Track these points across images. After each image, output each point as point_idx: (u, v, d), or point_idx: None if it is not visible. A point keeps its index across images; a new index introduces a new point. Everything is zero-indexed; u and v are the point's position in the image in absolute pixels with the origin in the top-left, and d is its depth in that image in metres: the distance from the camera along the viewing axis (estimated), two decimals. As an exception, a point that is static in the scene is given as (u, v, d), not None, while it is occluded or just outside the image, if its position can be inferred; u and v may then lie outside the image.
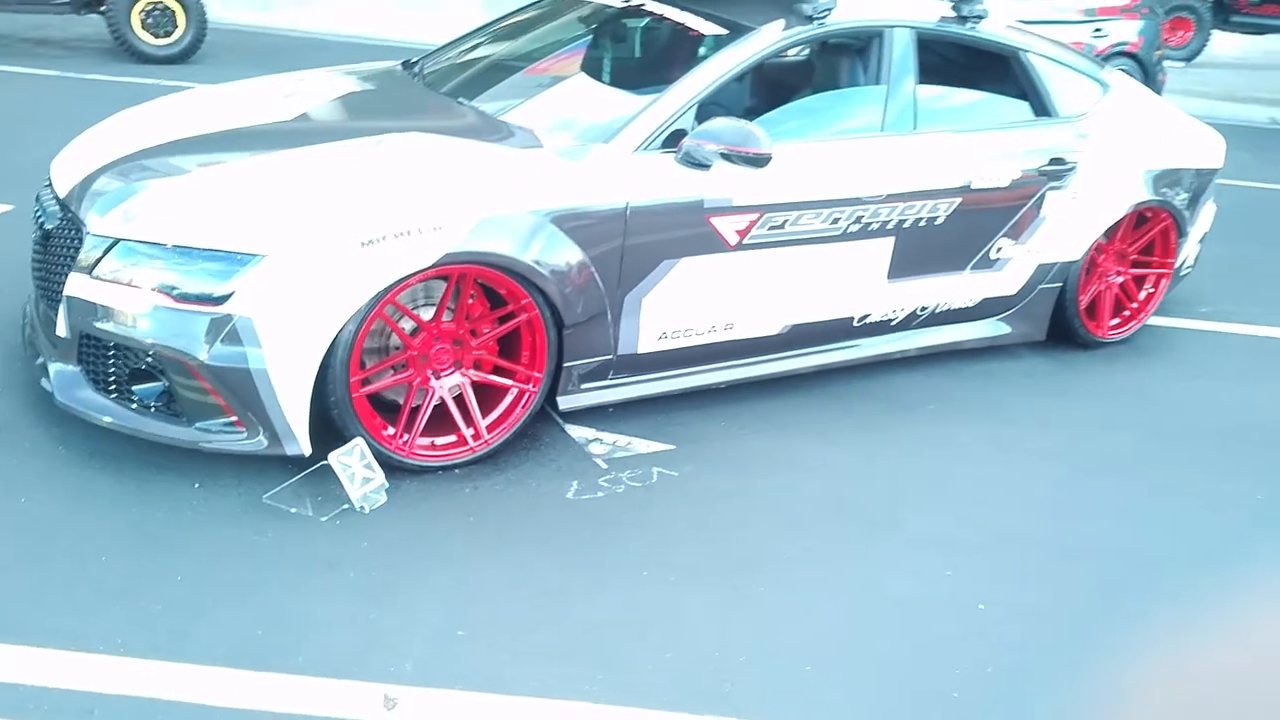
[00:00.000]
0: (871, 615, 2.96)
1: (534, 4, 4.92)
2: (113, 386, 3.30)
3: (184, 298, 3.10)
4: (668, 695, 2.59)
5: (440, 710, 2.48)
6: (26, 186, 5.44)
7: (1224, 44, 16.31)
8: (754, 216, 3.75)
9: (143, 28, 9.33)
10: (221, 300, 3.07)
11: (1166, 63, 10.68)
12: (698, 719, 2.53)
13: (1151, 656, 2.92)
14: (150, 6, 9.30)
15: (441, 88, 4.24)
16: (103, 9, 9.40)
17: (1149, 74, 9.51)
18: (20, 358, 3.85)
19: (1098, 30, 9.12)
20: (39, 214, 3.61)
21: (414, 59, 4.70)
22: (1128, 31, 9.33)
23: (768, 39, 3.90)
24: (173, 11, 9.41)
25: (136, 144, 3.63)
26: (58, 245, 3.42)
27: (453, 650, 2.67)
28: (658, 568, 3.08)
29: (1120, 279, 4.87)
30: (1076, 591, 3.16)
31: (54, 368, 3.38)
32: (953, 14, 4.35)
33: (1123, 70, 8.82)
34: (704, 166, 3.61)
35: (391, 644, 2.67)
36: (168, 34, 9.44)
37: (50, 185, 3.67)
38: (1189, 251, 5.11)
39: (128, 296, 3.15)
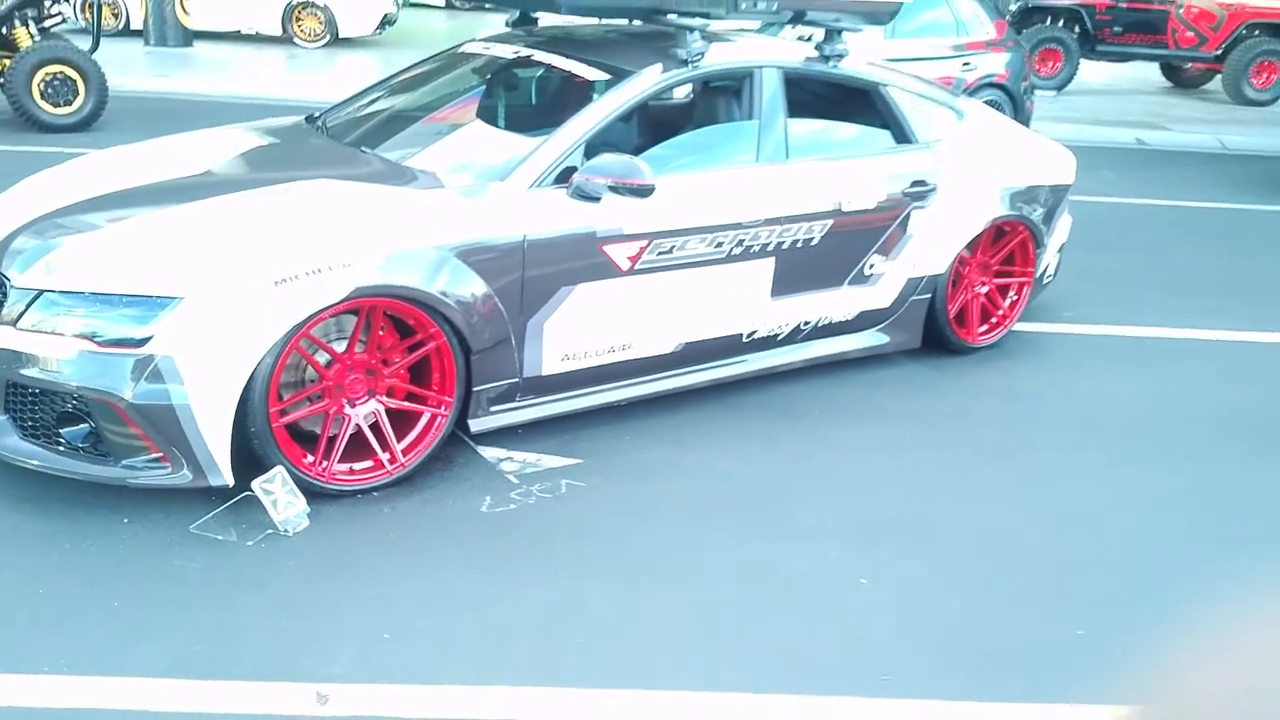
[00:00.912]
0: (765, 594, 3.25)
1: (429, 58, 5.20)
2: (39, 432, 3.46)
3: (107, 342, 3.28)
4: (580, 675, 2.83)
5: (370, 702, 2.69)
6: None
7: (1092, 72, 17.28)
8: (644, 243, 4.05)
9: (42, 97, 9.29)
10: (143, 342, 3.27)
11: (1037, 92, 11.36)
12: (608, 692, 2.77)
13: (1010, 611, 3.24)
14: (50, 76, 9.30)
15: (345, 138, 4.50)
16: (0, 80, 9.40)
17: (1017, 103, 10.12)
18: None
19: (966, 64, 9.70)
20: (-38, 273, 3.75)
21: (315, 114, 4.95)
22: (995, 64, 9.92)
23: (647, 81, 4.23)
24: (73, 80, 9.40)
25: (52, 203, 3.81)
26: (-20, 300, 3.57)
27: (379, 651, 2.89)
28: (568, 569, 3.32)
29: (985, 289, 5.28)
30: (949, 562, 3.49)
31: (-19, 418, 3.53)
32: (816, 54, 4.73)
33: (992, 100, 9.46)
34: (594, 199, 3.90)
35: (321, 649, 2.88)
36: (68, 102, 9.42)
37: (-27, 245, 3.82)
38: (1049, 261, 5.55)
39: (52, 344, 3.33)
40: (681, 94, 4.81)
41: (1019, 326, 5.50)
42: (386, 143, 4.40)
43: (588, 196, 3.91)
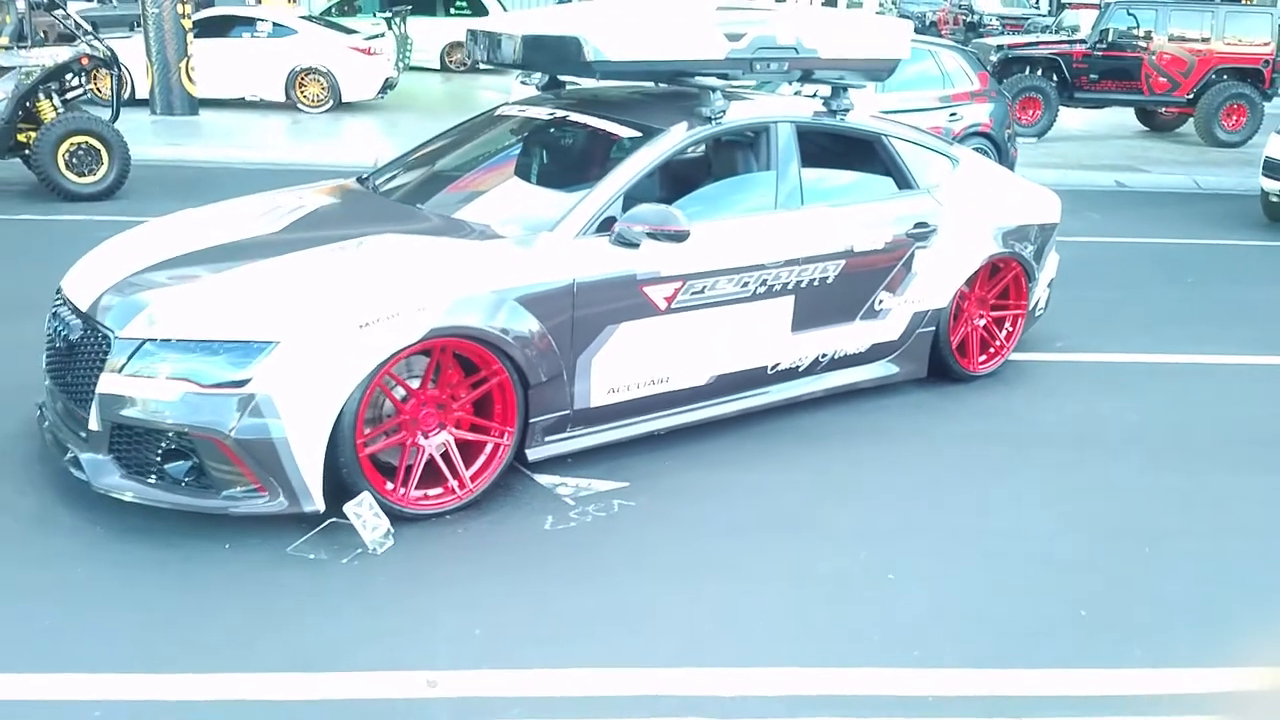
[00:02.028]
0: (805, 588, 3.65)
1: (467, 121, 5.66)
2: (140, 468, 3.84)
3: (210, 384, 3.68)
4: (650, 658, 3.22)
5: (473, 685, 3.07)
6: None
7: (1071, 119, 17.92)
8: (678, 284, 4.48)
9: (67, 167, 9.67)
10: (243, 383, 3.66)
11: (1019, 139, 11.90)
12: (675, 671, 3.15)
13: (1020, 598, 3.63)
14: (74, 147, 9.69)
15: (398, 197, 4.93)
16: (26, 151, 9.81)
17: (1001, 150, 10.64)
18: (40, 461, 4.34)
19: (953, 114, 10.22)
20: (58, 330, 4.14)
21: (365, 174, 5.39)
22: (979, 114, 10.46)
23: (676, 137, 4.69)
24: (97, 150, 9.78)
25: (137, 263, 4.22)
26: (83, 353, 3.97)
27: (472, 645, 3.27)
28: (627, 574, 3.71)
29: (983, 321, 5.72)
30: (964, 559, 3.90)
31: (86, 458, 3.91)
32: (825, 109, 5.20)
33: (978, 148, 9.97)
34: (634, 245, 4.34)
35: (421, 645, 3.26)
36: (92, 172, 9.80)
37: (65, 303, 4.22)
38: (1040, 295, 6.01)
39: (157, 388, 3.72)
40: (705, 148, 5.24)
41: (1014, 356, 5.93)
42: (438, 199, 4.84)
43: (628, 243, 4.33)
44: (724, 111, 4.80)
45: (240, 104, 16.69)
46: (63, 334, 4.10)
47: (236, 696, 3.00)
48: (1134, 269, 8.61)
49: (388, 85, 17.13)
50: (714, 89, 4.79)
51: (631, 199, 4.51)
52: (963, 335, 5.61)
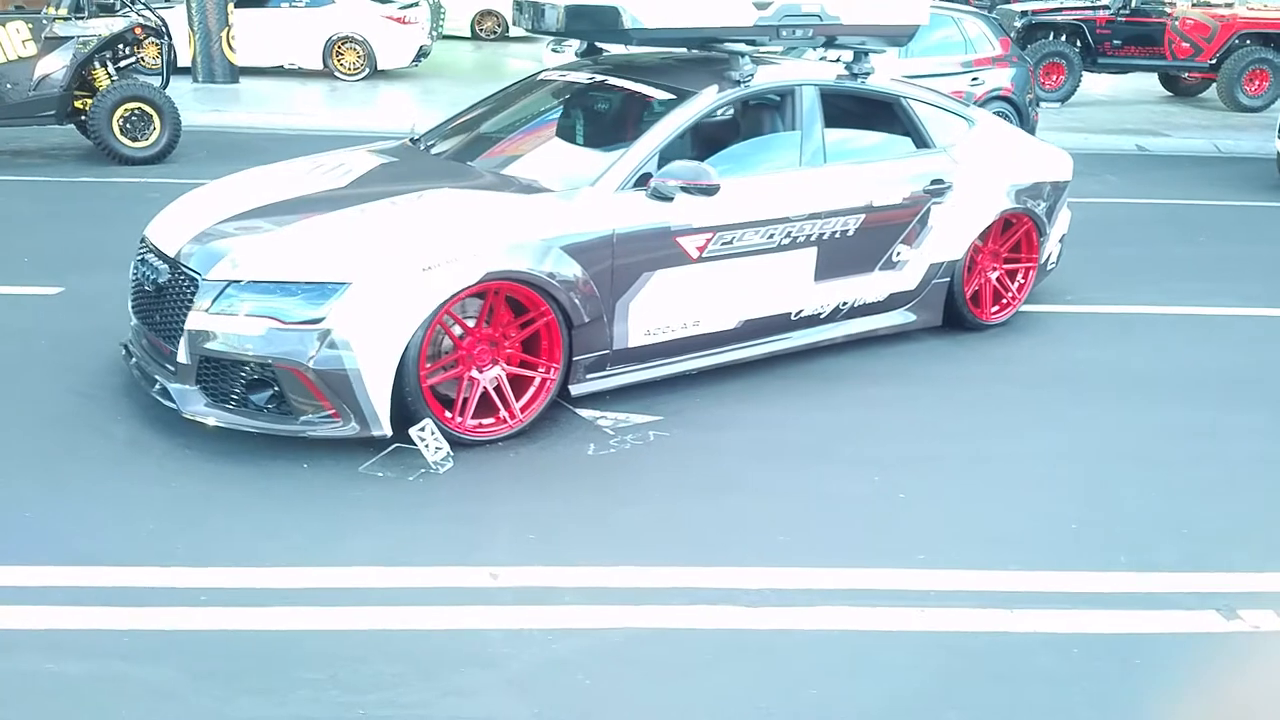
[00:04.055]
0: (825, 505, 4.06)
1: (510, 85, 6.05)
2: (226, 397, 4.28)
3: (290, 321, 4.11)
4: (685, 558, 3.65)
5: (530, 577, 3.50)
6: (68, 272, 6.46)
7: (1095, 84, 18.10)
8: (709, 235, 4.86)
9: (121, 133, 10.12)
10: (320, 320, 4.09)
11: (1043, 104, 12.17)
12: (708, 569, 3.57)
13: (1021, 513, 4.02)
14: (128, 113, 10.13)
15: (449, 155, 5.34)
16: (82, 118, 10.26)
17: (1023, 114, 10.93)
18: (127, 395, 4.79)
19: (975, 79, 10.52)
20: (146, 274, 4.57)
21: (416, 136, 5.80)
22: (1001, 78, 10.75)
23: (707, 99, 5.06)
24: (150, 116, 10.23)
25: (222, 212, 4.65)
26: (172, 294, 4.40)
27: (528, 547, 3.70)
28: (664, 491, 4.13)
29: (996, 273, 6.08)
30: (972, 481, 4.30)
31: (174, 388, 4.36)
32: (847, 72, 5.55)
33: (999, 112, 10.26)
34: (668, 199, 4.72)
35: (483, 547, 3.69)
36: (145, 136, 10.25)
37: (151, 250, 4.65)
38: (1052, 249, 6.35)
39: (243, 325, 4.15)
40: (733, 110, 5.59)
41: (1026, 307, 6.29)
42: (487, 157, 5.24)
43: (663, 197, 4.72)
44: (752, 75, 5.16)
45: (279, 72, 17.12)
46: (151, 278, 4.52)
47: (324, 585, 3.43)
48: (1148, 228, 8.91)
49: (422, 53, 17.51)
50: (743, 54, 5.16)
51: (666, 157, 4.88)
52: (976, 286, 5.97)
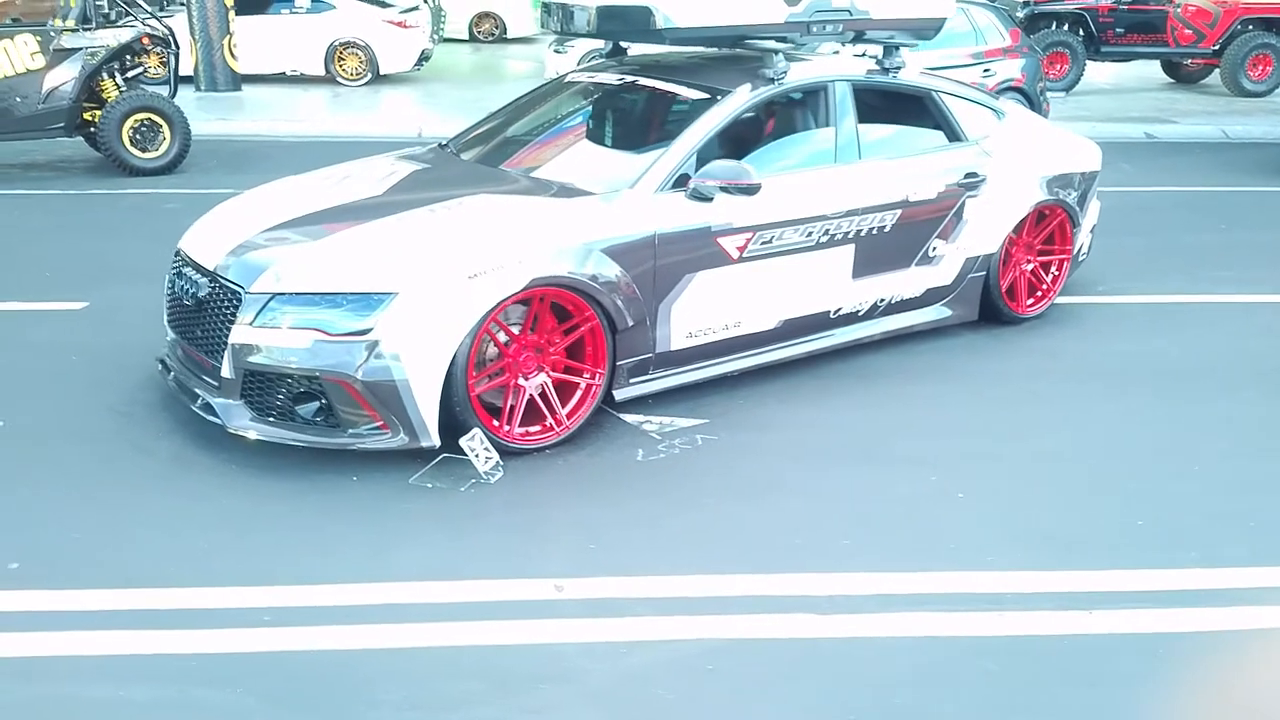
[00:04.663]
0: (883, 507, 4.01)
1: (538, 88, 6.00)
2: (272, 411, 4.22)
3: (337, 333, 4.05)
4: (746, 565, 3.59)
5: (596, 588, 3.45)
6: (91, 286, 6.41)
7: (1098, 73, 18.08)
8: (749, 235, 4.81)
9: (131, 144, 10.04)
10: (367, 331, 4.04)
11: (1049, 94, 12.13)
12: (775, 576, 3.52)
13: (1082, 512, 3.98)
14: (138, 124, 10.06)
15: (482, 160, 5.29)
16: (91, 129, 10.19)
17: (1034, 104, 10.89)
18: (165, 410, 4.73)
19: (986, 70, 10.47)
20: (184, 288, 4.50)
21: (445, 140, 5.75)
22: (1012, 69, 10.70)
23: (741, 98, 5.01)
24: (159, 126, 10.16)
25: (260, 223, 4.59)
26: (213, 308, 4.35)
27: (589, 557, 3.64)
28: (719, 496, 4.08)
29: (1030, 266, 6.03)
30: (1028, 480, 4.25)
31: (218, 403, 4.30)
32: (878, 67, 5.51)
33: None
34: (708, 199, 4.68)
35: (542, 558, 3.64)
36: (155, 147, 10.17)
37: (188, 263, 4.59)
38: (1083, 240, 6.31)
39: (288, 338, 4.10)
40: (767, 107, 5.53)
41: (1059, 299, 6.25)
42: (522, 161, 5.20)
43: (703, 197, 4.67)
44: (785, 72, 5.11)
45: (281, 78, 17.05)
46: (190, 291, 4.46)
47: (387, 600, 3.38)
48: (1167, 216, 8.88)
49: (424, 57, 17.46)
50: (776, 51, 5.11)
51: (701, 157, 4.83)
52: (1011, 279, 5.93)
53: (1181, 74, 17.83)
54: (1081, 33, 16.03)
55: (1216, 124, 13.66)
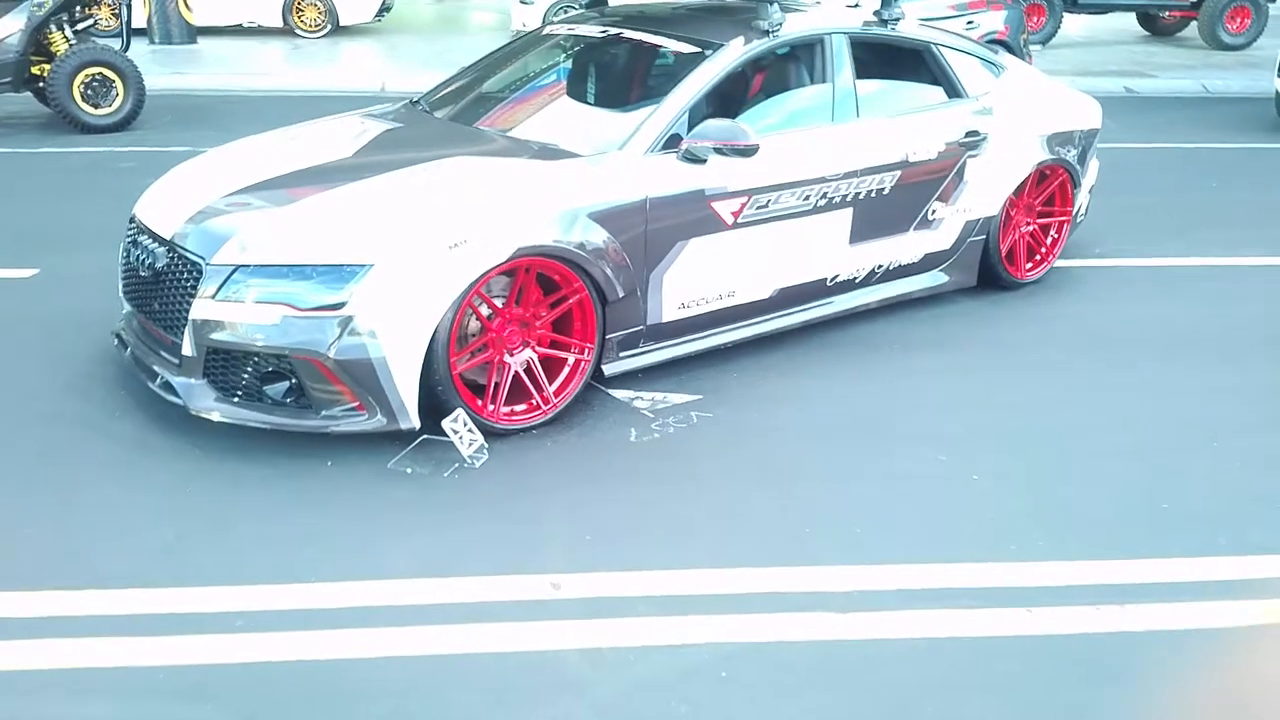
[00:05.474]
0: (890, 492, 3.78)
1: (515, 40, 5.67)
2: (238, 391, 3.92)
3: (307, 307, 3.75)
4: (756, 558, 3.36)
5: (595, 586, 3.20)
6: (42, 251, 6.04)
7: (1072, 25, 17.84)
8: (744, 199, 4.54)
9: (83, 99, 9.59)
10: (340, 305, 3.74)
11: (1031, 46, 11.89)
12: (786, 570, 3.29)
13: (1102, 492, 3.78)
14: (89, 78, 9.59)
15: (458, 118, 4.96)
16: (40, 84, 9.72)
17: (1018, 57, 10.61)
18: (123, 387, 4.43)
19: (969, 23, 10.21)
20: (141, 258, 4.18)
21: (417, 97, 5.41)
22: (995, 21, 10.44)
23: (734, 52, 4.71)
24: (112, 81, 9.70)
25: (221, 187, 4.26)
26: (172, 281, 4.03)
27: (585, 549, 3.40)
28: (717, 480, 3.84)
29: (1030, 228, 5.81)
30: (1041, 457, 4.04)
31: (179, 382, 3.99)
32: (875, 19, 5.22)
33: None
34: (701, 161, 4.39)
35: (536, 551, 3.38)
36: (107, 103, 9.71)
37: (144, 231, 4.26)
38: (1082, 201, 6.09)
39: (253, 313, 3.79)
40: (760, 62, 5.24)
41: (1057, 263, 6.03)
42: (502, 120, 4.88)
43: (696, 159, 4.39)
44: (781, 24, 4.82)
45: (238, 30, 16.50)
46: (146, 262, 4.14)
47: (369, 603, 3.12)
48: (1157, 174, 8.69)
49: (385, 8, 16.95)
50: (771, 1, 4.81)
51: (692, 116, 4.55)
52: (1011, 243, 5.70)
53: (1157, 26, 17.64)
54: (1059, -16, 15.78)
55: (1196, 78, 13.49)
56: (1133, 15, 17.69)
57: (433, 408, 3.97)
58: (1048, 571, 3.32)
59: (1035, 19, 15.43)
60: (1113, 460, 4.04)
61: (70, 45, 9.69)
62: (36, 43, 9.57)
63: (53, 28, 9.66)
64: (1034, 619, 3.08)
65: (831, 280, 5.04)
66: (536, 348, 4.21)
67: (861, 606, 3.12)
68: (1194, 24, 16.31)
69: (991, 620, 3.08)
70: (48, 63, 9.58)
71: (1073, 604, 3.16)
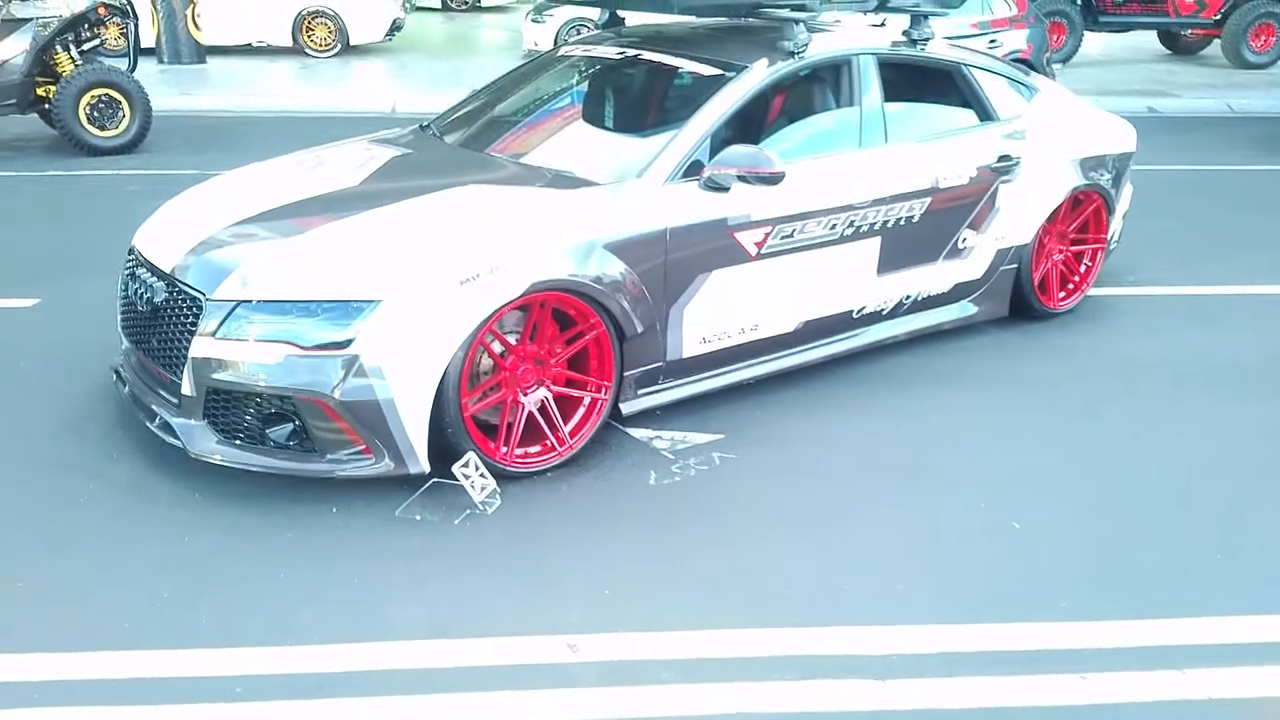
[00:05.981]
0: (930, 539, 3.57)
1: (529, 62, 5.48)
2: (236, 433, 3.73)
3: (311, 345, 3.56)
4: (793, 617, 3.14)
5: (614, 649, 2.99)
6: (44, 279, 5.88)
7: (1092, 44, 17.63)
8: (768, 229, 4.34)
9: (89, 121, 9.45)
10: (346, 344, 3.54)
11: (1053, 65, 11.69)
12: (820, 630, 3.08)
13: (1153, 541, 3.56)
14: (95, 99, 9.45)
15: (470, 144, 4.78)
16: (46, 106, 9.58)
17: (1041, 75, 10.42)
18: (121, 427, 4.24)
19: (992, 41, 10.01)
20: (139, 292, 4.00)
21: (427, 121, 5.23)
22: (1018, 40, 10.24)
23: (758, 75, 4.52)
24: (118, 102, 9.55)
25: (224, 218, 4.08)
26: (171, 316, 3.84)
27: (605, 605, 3.19)
28: (744, 528, 3.63)
29: (1061, 256, 5.59)
30: (1087, 504, 3.82)
31: (179, 423, 3.80)
32: (904, 39, 5.03)
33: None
34: (724, 189, 4.19)
35: (552, 606, 3.18)
36: (114, 125, 9.57)
37: (142, 264, 4.08)
38: (1115, 227, 5.87)
39: (255, 351, 3.60)
40: (784, 85, 5.05)
41: (1090, 291, 5.81)
42: (515, 146, 4.69)
43: (718, 187, 4.19)
44: (807, 45, 4.63)
45: (247, 50, 16.40)
46: (144, 296, 3.96)
47: (376, 666, 2.92)
48: (1186, 197, 8.47)
49: (395, 27, 16.83)
50: (797, 21, 4.62)
51: (714, 142, 4.36)
52: (1044, 271, 5.49)
53: (1179, 45, 17.41)
54: (1079, 2, 15.56)
55: (1220, 97, 13.26)
56: (1153, 34, 17.47)
57: (443, 450, 3.77)
58: (1100, 632, 3.09)
59: (1056, 37, 15.23)
60: (1160, 506, 3.81)
61: (76, 66, 9.56)
62: (42, 63, 9.44)
63: (58, 48, 9.53)
64: (1088, 686, 2.86)
65: (858, 312, 4.84)
66: (551, 386, 4.01)
67: (901, 673, 2.90)
68: (1216, 42, 16.08)
69: (1043, 688, 2.86)
70: (53, 84, 9.44)
71: (1128, 669, 2.93)
